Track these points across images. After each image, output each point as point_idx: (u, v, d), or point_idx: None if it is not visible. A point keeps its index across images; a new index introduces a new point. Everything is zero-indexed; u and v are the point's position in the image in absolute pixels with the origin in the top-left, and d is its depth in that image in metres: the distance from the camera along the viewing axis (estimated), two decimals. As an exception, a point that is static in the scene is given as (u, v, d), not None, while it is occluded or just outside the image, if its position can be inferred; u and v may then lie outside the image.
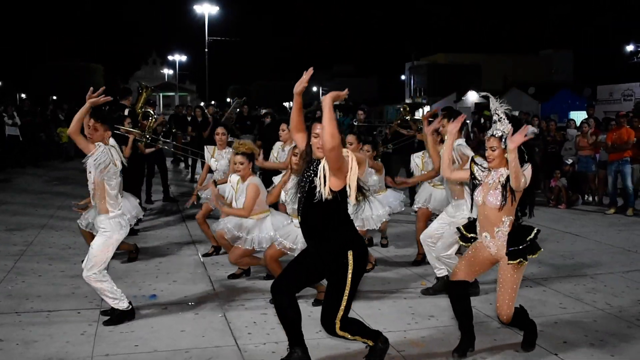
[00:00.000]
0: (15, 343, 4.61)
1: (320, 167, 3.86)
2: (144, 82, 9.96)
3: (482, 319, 5.22)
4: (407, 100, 64.77)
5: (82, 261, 5.08)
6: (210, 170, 7.87)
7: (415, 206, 7.28)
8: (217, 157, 7.66)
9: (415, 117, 12.12)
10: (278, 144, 8.07)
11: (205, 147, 7.99)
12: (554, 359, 4.45)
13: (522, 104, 46.37)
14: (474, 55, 67.94)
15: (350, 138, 6.85)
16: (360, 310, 5.31)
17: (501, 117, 4.38)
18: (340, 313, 3.92)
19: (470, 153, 5.68)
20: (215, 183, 7.16)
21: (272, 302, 5.11)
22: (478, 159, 4.57)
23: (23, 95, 60.15)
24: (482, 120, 17.82)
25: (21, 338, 4.71)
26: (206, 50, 37.39)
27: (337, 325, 3.93)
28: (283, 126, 7.89)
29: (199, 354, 4.45)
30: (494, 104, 4.46)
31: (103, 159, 5.02)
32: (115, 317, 5.03)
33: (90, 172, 5.14)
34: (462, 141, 5.92)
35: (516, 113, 32.51)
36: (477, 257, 4.51)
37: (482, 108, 31.94)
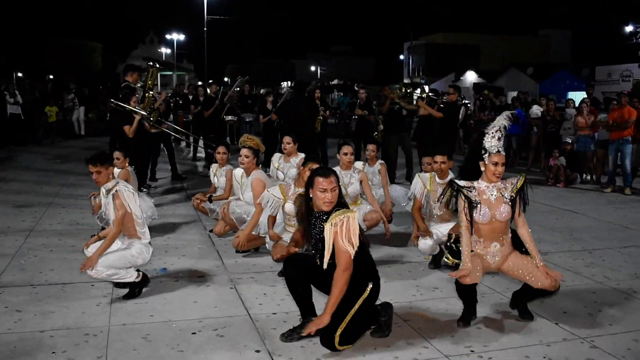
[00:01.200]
0: (33, 314, 4.75)
1: (326, 234, 4.02)
2: (152, 60, 9.94)
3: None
4: (406, 80, 64.71)
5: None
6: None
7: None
8: (218, 175, 7.60)
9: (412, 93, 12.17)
10: (277, 155, 7.93)
11: (210, 166, 7.97)
12: (555, 327, 4.61)
13: (521, 84, 46.42)
14: (473, 36, 67.86)
15: (346, 149, 7.12)
16: (366, 283, 5.45)
17: (503, 135, 4.53)
18: (341, 328, 3.98)
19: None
20: (210, 199, 7.33)
21: (281, 274, 5.29)
22: (459, 184, 4.62)
23: (20, 74, 59.90)
24: (482, 99, 17.93)
25: (38, 309, 4.85)
26: (205, 29, 37.25)
27: (336, 340, 3.97)
28: (287, 139, 7.70)
29: (212, 323, 4.60)
30: (498, 121, 4.59)
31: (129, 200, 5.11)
32: (129, 291, 5.16)
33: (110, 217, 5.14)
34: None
35: (514, 93, 32.65)
36: (480, 263, 4.62)
37: (480, 88, 32.04)
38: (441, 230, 6.03)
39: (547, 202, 10.00)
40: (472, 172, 4.76)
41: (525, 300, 4.77)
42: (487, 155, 4.56)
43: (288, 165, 7.61)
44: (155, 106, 9.97)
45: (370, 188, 7.31)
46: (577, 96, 20.75)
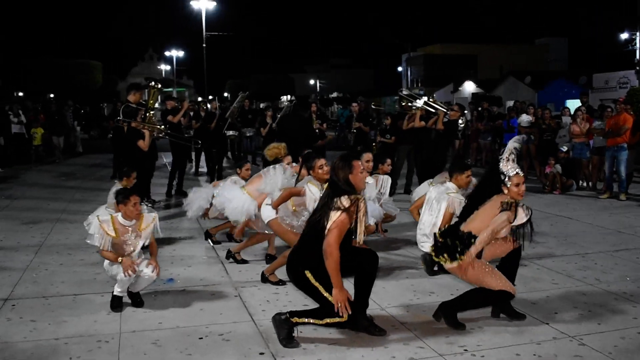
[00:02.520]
0: (47, 323, 4.98)
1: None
2: (152, 79, 10.22)
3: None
4: (405, 92, 65.03)
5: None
6: None
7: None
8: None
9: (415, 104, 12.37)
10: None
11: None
12: (546, 327, 4.83)
13: (519, 92, 46.69)
14: (470, 46, 68.20)
15: (367, 156, 7.50)
16: (366, 289, 5.66)
17: (516, 157, 4.87)
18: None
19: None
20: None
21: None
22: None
23: (20, 94, 60.34)
24: (480, 109, 18.16)
25: (52, 319, 5.08)
26: (204, 45, 37.62)
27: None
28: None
29: (218, 329, 4.83)
30: (510, 145, 4.91)
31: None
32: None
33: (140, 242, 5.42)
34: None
35: (510, 103, 32.86)
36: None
37: (479, 98, 32.32)
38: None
39: (542, 208, 10.22)
40: (482, 196, 5.00)
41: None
42: (506, 179, 4.80)
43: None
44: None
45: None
46: (575, 104, 21.03)
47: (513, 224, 4.78)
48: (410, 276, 6.31)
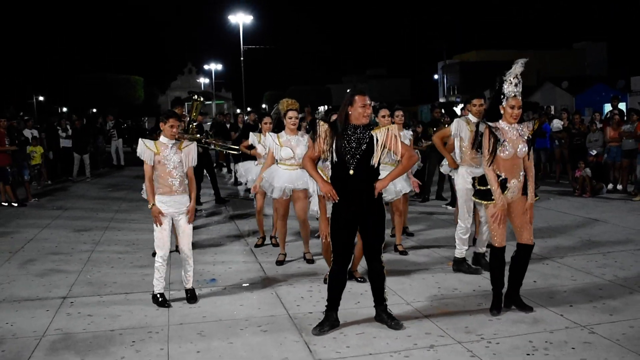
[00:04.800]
0: (103, 317, 5.53)
1: (383, 136, 4.96)
2: (195, 93, 10.74)
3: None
4: (441, 99, 65.06)
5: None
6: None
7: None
8: (262, 143, 8.10)
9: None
10: (254, 135, 8.47)
11: (250, 133, 8.65)
12: (559, 318, 5.18)
13: (556, 98, 46.46)
14: (507, 52, 67.85)
15: (383, 112, 7.53)
16: (393, 285, 6.08)
17: (519, 81, 5.20)
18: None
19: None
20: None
21: (325, 281, 5.95)
22: (488, 123, 5.25)
23: (64, 109, 62.30)
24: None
25: (107, 314, 5.63)
26: (242, 59, 38.47)
27: (381, 253, 5.08)
28: (266, 119, 8.59)
29: (256, 321, 5.31)
30: (514, 69, 5.22)
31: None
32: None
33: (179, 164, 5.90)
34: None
35: (551, 108, 32.71)
36: (510, 214, 5.28)
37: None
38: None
39: (570, 211, 10.48)
40: (494, 114, 5.37)
41: (517, 289, 5.38)
42: (505, 99, 5.20)
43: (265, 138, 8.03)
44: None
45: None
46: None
47: (489, 144, 5.16)
48: (436, 274, 6.70)
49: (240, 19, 38.50)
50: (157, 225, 5.78)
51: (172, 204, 5.84)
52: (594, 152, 12.98)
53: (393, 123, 8.35)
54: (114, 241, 8.95)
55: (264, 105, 69.64)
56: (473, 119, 6.86)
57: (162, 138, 5.92)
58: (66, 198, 13.89)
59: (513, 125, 5.21)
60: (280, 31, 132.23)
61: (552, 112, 18.00)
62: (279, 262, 7.34)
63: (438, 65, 72.44)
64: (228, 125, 17.59)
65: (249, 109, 28.56)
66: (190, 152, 5.96)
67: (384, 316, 5.13)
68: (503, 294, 5.42)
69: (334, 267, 5.07)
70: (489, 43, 79.25)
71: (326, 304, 5.12)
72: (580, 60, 64.85)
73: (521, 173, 5.26)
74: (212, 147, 11.85)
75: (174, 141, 5.91)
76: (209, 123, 23.97)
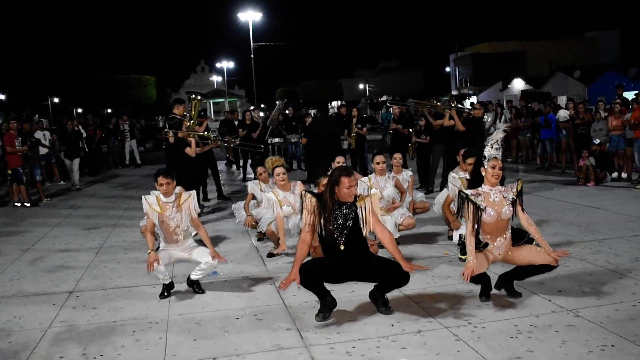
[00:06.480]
0: (106, 310, 5.75)
1: (365, 211, 5.19)
2: (193, 92, 10.93)
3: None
4: (454, 92, 64.94)
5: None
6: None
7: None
8: (264, 189, 8.33)
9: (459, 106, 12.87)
10: (253, 183, 8.57)
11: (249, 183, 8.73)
12: (547, 303, 5.32)
13: (568, 88, 46.24)
14: (518, 43, 67.61)
15: (378, 158, 8.10)
16: (387, 275, 6.23)
17: (500, 146, 5.39)
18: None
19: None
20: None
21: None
22: (467, 192, 5.39)
23: (79, 110, 62.98)
24: (520, 107, 18.40)
25: (111, 306, 5.85)
26: (252, 56, 38.70)
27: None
28: (260, 170, 8.57)
29: (253, 311, 5.50)
30: (496, 135, 5.46)
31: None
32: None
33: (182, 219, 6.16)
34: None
35: (564, 97, 32.55)
36: (484, 258, 5.38)
37: (528, 95, 32.31)
38: None
39: (572, 200, 10.57)
40: (478, 182, 5.54)
41: (515, 280, 5.52)
42: (486, 161, 5.36)
43: (267, 187, 8.36)
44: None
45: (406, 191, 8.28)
46: (629, 96, 21.00)
47: (471, 214, 5.29)
48: (431, 264, 6.84)
49: (250, 17, 38.70)
50: (148, 268, 5.95)
51: (177, 248, 6.20)
52: (597, 141, 13.04)
53: (391, 168, 8.59)
54: (122, 238, 9.19)
55: (277, 102, 69.85)
56: (466, 176, 7.26)
57: (162, 197, 6.15)
58: (77, 197, 14.19)
59: (497, 188, 5.35)
60: (292, 27, 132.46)
61: (558, 103, 17.97)
62: (270, 255, 7.60)
63: (450, 58, 72.29)
64: (236, 123, 17.80)
65: (252, 107, 28.79)
66: (189, 205, 6.19)
67: (379, 299, 5.30)
68: (492, 280, 5.56)
69: (301, 281, 5.16)
70: (500, 34, 78.85)
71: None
72: (592, 49, 64.41)
73: (507, 232, 5.41)
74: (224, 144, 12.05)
75: (173, 197, 6.13)
76: (218, 121, 24.26)
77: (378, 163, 8.13)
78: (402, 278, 5.18)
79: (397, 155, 8.79)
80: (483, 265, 5.32)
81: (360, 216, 5.19)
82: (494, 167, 5.33)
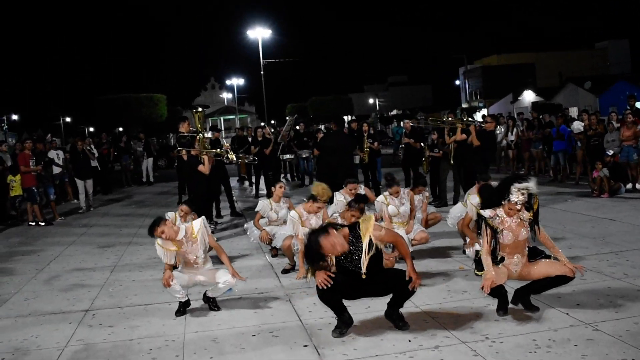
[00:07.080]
0: (122, 328, 5.76)
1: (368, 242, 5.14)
2: (194, 106, 10.99)
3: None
4: (464, 105, 64.91)
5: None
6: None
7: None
8: (274, 209, 8.46)
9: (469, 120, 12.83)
10: (267, 200, 8.63)
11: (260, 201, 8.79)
12: (565, 317, 5.28)
13: (579, 99, 46.09)
14: (528, 54, 67.56)
15: (392, 190, 8.00)
16: (403, 290, 6.21)
17: (526, 197, 5.32)
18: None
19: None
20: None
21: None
22: (484, 215, 5.40)
23: (91, 129, 63.42)
24: (532, 119, 18.36)
25: (127, 324, 5.86)
26: (262, 72, 38.85)
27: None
28: (280, 184, 8.68)
29: (268, 328, 5.49)
30: (530, 183, 5.35)
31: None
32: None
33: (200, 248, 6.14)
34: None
35: (575, 109, 32.35)
36: (503, 271, 5.39)
37: (538, 107, 32.22)
38: None
39: (587, 212, 10.50)
40: (492, 202, 5.54)
41: (532, 294, 5.49)
42: (508, 198, 5.32)
43: (278, 205, 8.46)
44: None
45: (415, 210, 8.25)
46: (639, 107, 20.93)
47: (487, 235, 5.35)
48: (447, 278, 6.82)
49: (259, 34, 38.89)
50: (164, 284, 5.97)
51: (197, 272, 6.17)
52: (610, 152, 12.97)
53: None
54: (136, 256, 9.21)
55: (287, 118, 70.00)
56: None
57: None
58: (91, 216, 14.24)
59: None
60: (301, 43, 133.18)
61: (570, 115, 17.96)
62: (285, 271, 7.59)
63: (460, 71, 72.31)
64: (250, 139, 17.89)
65: (262, 123, 28.91)
66: (202, 231, 6.10)
67: (394, 316, 5.28)
68: (510, 294, 5.53)
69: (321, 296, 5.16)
70: (509, 46, 78.83)
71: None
72: (603, 60, 64.26)
73: (524, 249, 5.44)
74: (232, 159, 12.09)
75: (183, 232, 6.04)
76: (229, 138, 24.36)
77: (392, 193, 8.04)
78: (407, 289, 5.15)
79: (351, 186, 8.58)
80: (502, 278, 5.32)
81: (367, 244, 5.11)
82: (511, 209, 5.32)
